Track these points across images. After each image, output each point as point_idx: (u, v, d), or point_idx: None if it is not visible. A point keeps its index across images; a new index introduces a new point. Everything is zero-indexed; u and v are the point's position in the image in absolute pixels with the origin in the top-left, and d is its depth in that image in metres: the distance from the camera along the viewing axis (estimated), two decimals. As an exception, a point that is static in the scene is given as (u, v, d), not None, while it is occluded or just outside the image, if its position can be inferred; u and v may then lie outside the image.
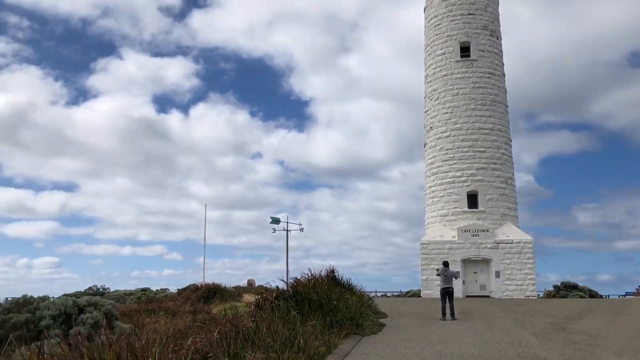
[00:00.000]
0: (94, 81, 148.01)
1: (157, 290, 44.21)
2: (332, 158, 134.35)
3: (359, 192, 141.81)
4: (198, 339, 7.64)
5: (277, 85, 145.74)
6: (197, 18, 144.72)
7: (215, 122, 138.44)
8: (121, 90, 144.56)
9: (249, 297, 25.75)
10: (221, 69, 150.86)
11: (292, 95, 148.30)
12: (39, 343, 11.40)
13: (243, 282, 44.11)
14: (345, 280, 16.81)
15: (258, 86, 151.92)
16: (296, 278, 13.29)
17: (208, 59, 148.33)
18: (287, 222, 42.03)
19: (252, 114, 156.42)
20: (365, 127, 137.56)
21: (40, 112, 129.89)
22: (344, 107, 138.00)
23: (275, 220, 40.73)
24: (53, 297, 15.90)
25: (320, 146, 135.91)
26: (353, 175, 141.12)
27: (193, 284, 35.67)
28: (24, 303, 12.99)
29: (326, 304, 11.83)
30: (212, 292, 28.05)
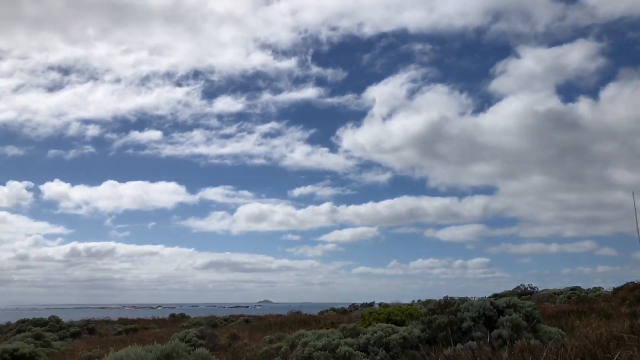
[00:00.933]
0: (495, 85, 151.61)
1: (589, 289, 40.87)
2: None
3: None
4: (624, 354, 6.19)
5: None
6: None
7: (631, 100, 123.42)
8: (523, 88, 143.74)
9: None
10: (630, 39, 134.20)
11: None
12: (460, 345, 11.51)
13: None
14: None
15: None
16: None
17: (613, 33, 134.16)
18: None
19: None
20: None
21: (451, 125, 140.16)
22: None
23: None
24: (474, 298, 16.06)
25: None
26: None
27: (630, 282, 31.63)
28: (446, 305, 13.39)
29: None
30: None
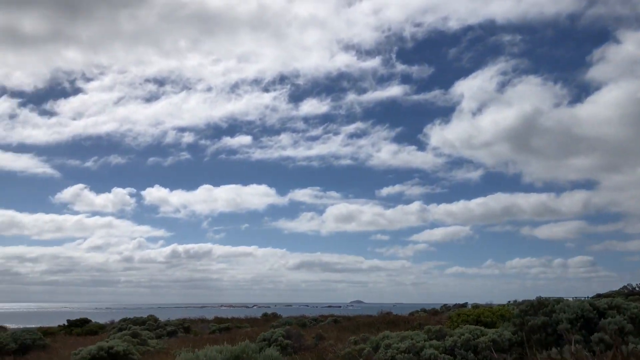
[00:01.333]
0: (593, 74, 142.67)
1: None
2: None
3: None
4: None
5: None
6: None
7: None
8: (624, 75, 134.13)
9: None
10: None
11: None
12: (558, 348, 10.64)
13: None
14: None
15: None
16: None
17: None
18: None
19: None
20: None
21: (546, 117, 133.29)
22: None
23: None
24: (572, 298, 15.00)
25: None
26: None
27: None
28: (539, 305, 12.50)
29: None
30: None
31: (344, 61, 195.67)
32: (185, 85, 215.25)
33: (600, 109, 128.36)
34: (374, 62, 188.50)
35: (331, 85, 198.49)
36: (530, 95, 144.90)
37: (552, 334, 11.56)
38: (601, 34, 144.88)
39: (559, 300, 12.47)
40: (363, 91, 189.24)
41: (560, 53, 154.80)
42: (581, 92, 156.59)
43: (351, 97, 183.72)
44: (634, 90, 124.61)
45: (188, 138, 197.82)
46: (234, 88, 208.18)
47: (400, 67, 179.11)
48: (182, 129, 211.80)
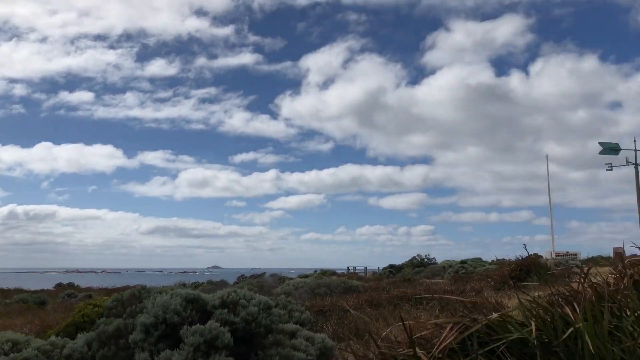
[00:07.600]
0: (428, 58, 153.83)
1: (485, 261, 36.45)
2: None
3: None
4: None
5: (629, 21, 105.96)
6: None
7: (558, 75, 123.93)
8: (455, 61, 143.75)
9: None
10: (557, 16, 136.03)
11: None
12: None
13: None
14: None
15: (605, 26, 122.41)
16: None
17: (540, 10, 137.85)
18: (636, 150, 23.81)
19: (603, 59, 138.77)
20: None
21: (388, 95, 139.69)
22: None
23: (612, 148, 23.12)
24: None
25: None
26: None
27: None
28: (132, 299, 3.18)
29: None
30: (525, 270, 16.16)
31: (195, 26, 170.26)
32: (14, 33, 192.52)
33: (434, 91, 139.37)
34: (226, 30, 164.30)
35: (181, 48, 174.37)
36: (374, 74, 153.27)
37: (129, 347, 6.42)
38: (434, 22, 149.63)
39: (159, 290, 7.46)
40: (214, 57, 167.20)
41: (400, 36, 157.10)
42: (418, 74, 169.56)
43: (201, 61, 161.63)
44: (462, 75, 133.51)
45: (20, 90, 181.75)
46: (74, 42, 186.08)
47: (252, 38, 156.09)
48: (13, 80, 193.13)
